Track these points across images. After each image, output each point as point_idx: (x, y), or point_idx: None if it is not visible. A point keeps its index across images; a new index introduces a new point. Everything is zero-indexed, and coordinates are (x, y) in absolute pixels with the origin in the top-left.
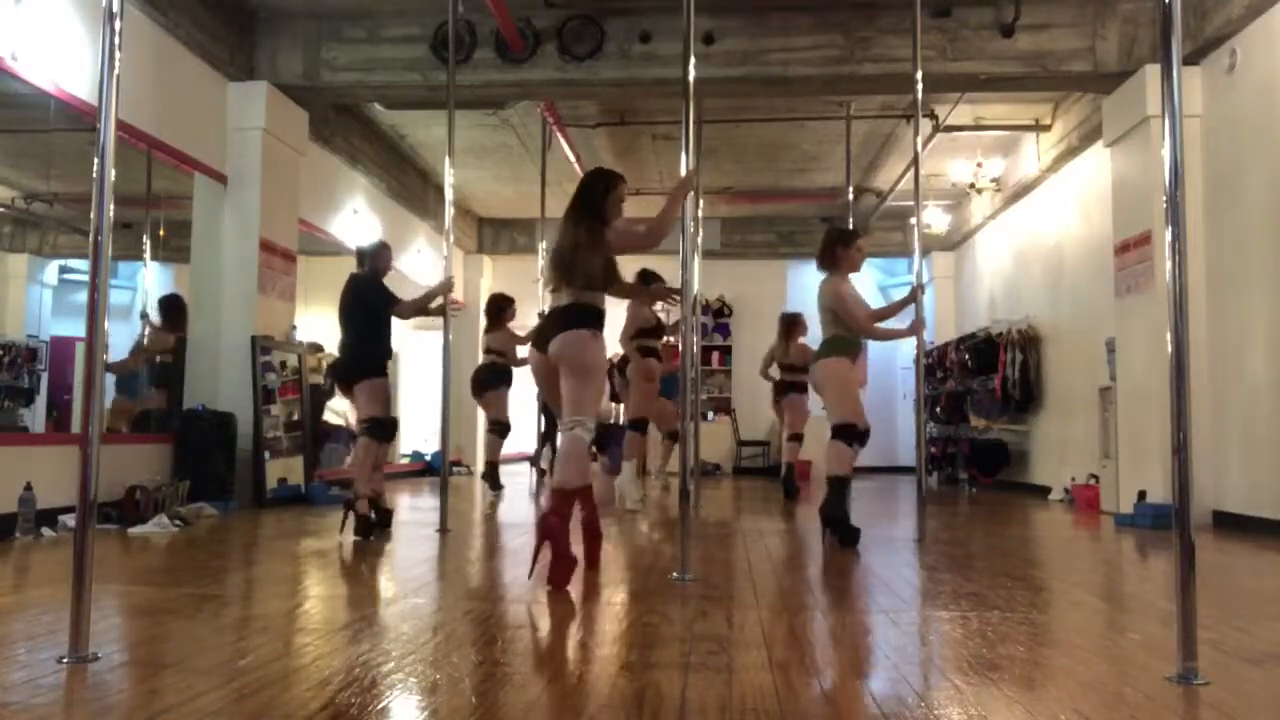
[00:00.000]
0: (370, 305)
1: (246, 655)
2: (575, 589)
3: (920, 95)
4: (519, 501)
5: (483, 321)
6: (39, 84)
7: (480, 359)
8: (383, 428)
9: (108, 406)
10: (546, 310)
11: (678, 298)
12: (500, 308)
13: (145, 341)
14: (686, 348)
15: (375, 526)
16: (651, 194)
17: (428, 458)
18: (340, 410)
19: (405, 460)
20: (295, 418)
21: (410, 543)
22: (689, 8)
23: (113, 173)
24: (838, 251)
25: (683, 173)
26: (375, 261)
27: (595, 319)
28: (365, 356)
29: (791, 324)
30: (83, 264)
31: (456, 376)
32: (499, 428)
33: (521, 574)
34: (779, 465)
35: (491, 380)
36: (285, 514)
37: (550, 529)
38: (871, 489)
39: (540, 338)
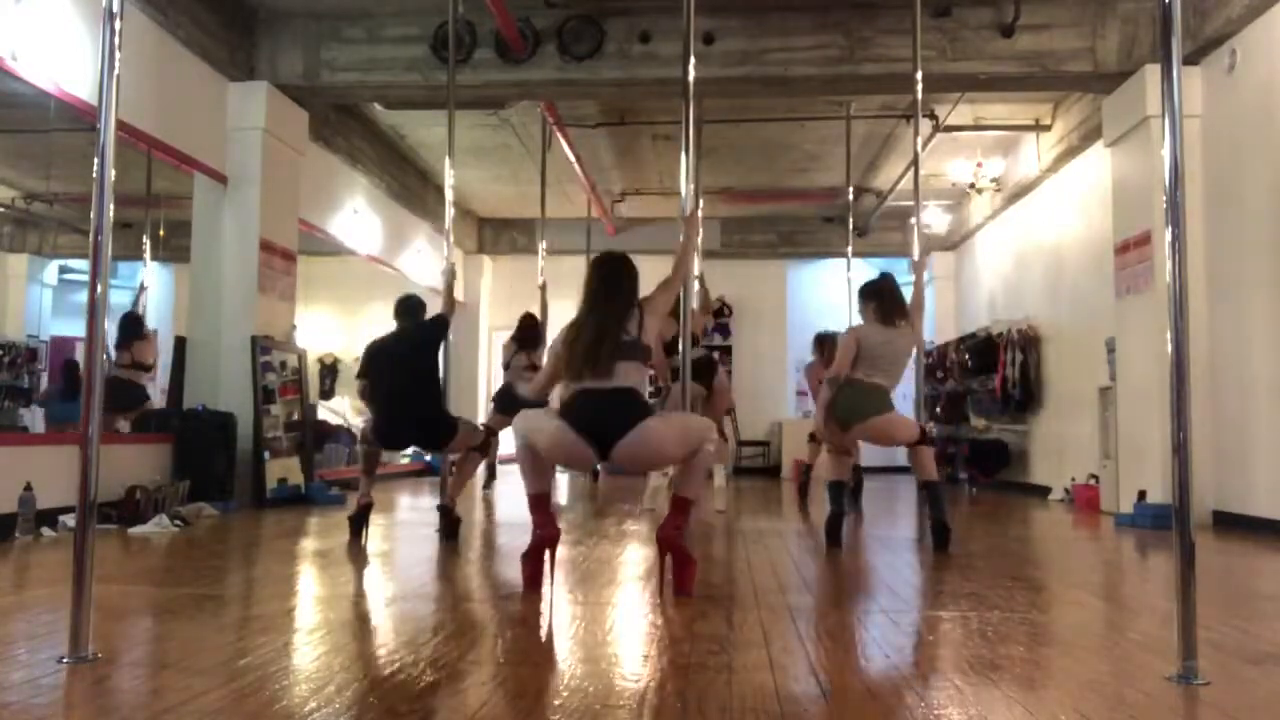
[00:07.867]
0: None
1: (246, 655)
2: (575, 589)
3: (920, 95)
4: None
5: (485, 322)
6: (39, 84)
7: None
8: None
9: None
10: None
11: None
12: (538, 332)
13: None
14: (685, 348)
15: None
16: (651, 194)
17: (427, 458)
18: (339, 410)
19: (405, 460)
20: (295, 418)
21: (410, 543)
22: (689, 8)
23: (113, 173)
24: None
25: (683, 172)
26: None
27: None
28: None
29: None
30: (83, 264)
31: (456, 376)
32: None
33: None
34: (779, 466)
35: (521, 400)
36: (285, 514)
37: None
38: (872, 489)
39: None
